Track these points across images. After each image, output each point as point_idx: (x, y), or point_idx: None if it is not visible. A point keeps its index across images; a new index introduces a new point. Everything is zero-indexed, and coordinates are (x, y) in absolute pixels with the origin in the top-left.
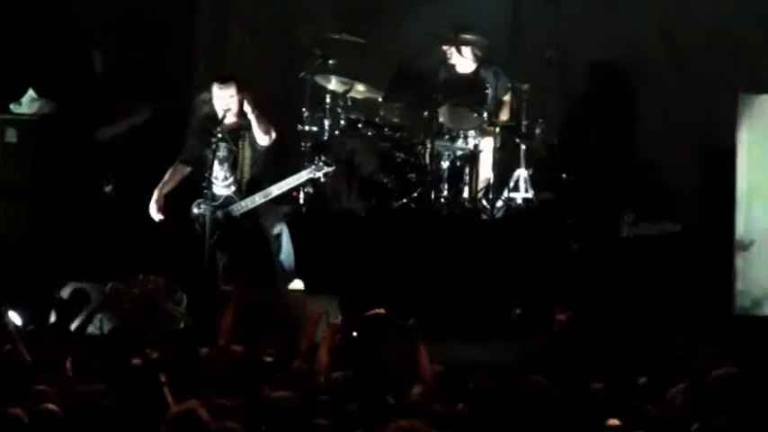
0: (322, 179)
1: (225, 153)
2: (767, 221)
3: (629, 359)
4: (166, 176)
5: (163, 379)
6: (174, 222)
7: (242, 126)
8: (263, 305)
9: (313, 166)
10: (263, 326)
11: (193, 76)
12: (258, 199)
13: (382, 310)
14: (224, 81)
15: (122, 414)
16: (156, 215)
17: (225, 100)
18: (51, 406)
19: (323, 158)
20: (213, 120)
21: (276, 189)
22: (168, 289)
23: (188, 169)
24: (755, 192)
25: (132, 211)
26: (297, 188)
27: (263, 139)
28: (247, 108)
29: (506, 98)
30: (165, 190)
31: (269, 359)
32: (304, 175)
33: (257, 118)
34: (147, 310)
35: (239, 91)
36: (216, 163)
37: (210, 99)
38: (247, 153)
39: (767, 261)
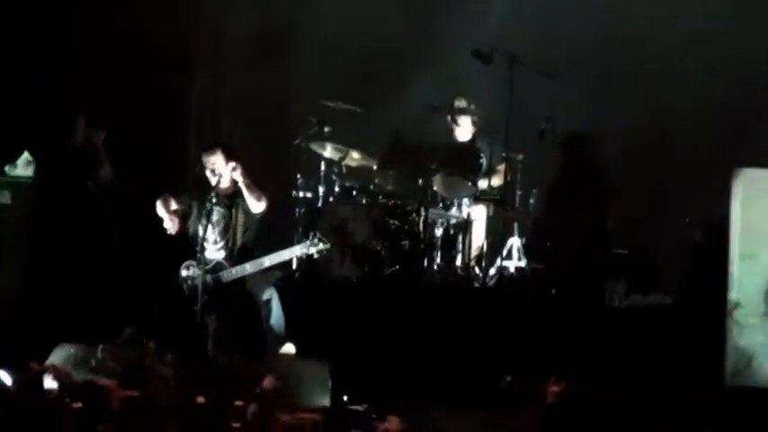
0: (315, 255)
1: (218, 217)
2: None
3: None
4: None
5: None
6: (163, 284)
7: (236, 192)
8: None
9: (308, 242)
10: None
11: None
12: (249, 268)
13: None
14: (208, 149)
15: None
16: (171, 225)
17: (210, 167)
18: None
19: (318, 235)
20: (209, 183)
21: (268, 261)
22: (159, 351)
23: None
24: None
25: (122, 271)
26: None
27: (255, 206)
28: (238, 176)
29: (500, 167)
30: (171, 207)
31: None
32: (297, 251)
33: (248, 186)
34: (138, 373)
35: (229, 159)
36: (209, 226)
37: None
38: (240, 219)
39: (756, 330)
